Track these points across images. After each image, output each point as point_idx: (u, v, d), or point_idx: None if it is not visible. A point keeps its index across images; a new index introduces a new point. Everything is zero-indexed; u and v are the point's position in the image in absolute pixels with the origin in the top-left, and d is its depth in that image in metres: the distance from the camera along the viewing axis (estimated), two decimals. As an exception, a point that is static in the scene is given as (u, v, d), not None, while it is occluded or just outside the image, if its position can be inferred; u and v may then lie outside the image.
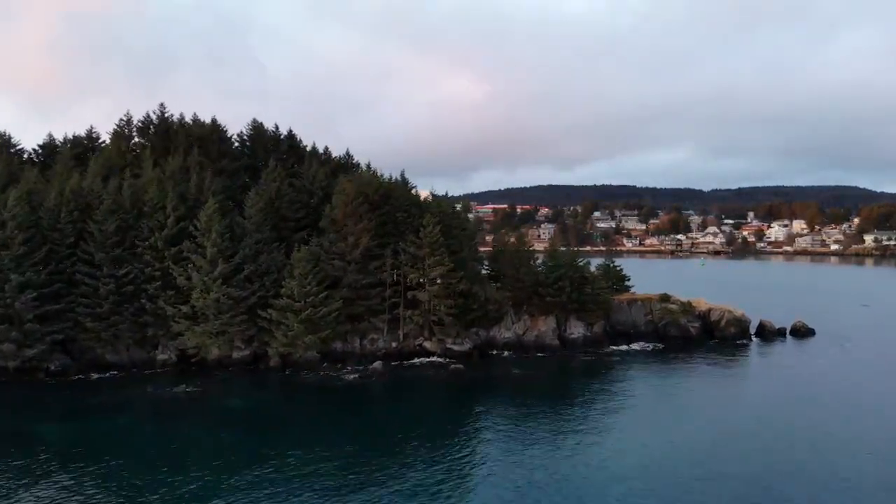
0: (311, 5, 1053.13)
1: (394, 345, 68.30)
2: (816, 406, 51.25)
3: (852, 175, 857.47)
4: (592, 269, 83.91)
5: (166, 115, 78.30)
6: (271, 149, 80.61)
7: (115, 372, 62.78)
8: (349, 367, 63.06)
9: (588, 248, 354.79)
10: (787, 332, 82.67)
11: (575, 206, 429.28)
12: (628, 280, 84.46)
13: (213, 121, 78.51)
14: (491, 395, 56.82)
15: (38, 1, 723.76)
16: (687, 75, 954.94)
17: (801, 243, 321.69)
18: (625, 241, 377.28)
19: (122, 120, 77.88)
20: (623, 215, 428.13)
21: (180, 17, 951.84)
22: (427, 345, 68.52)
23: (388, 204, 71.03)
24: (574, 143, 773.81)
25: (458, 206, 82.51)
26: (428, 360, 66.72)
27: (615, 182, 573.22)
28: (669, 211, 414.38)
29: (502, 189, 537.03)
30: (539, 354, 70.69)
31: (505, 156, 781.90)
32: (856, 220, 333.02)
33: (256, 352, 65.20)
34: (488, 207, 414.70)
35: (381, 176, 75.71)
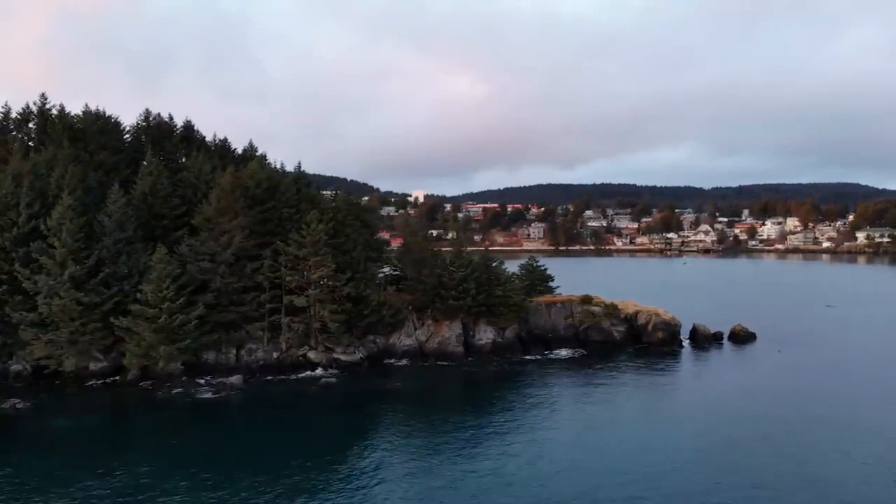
0: (310, 5, 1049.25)
1: (275, 355, 61.97)
2: (727, 424, 44.98)
3: (855, 172, 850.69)
4: (515, 269, 77.78)
5: (46, 106, 72.16)
6: (162, 141, 74.40)
7: (-39, 385, 56.87)
8: (209, 382, 56.66)
9: (578, 247, 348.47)
10: (725, 336, 75.93)
11: (567, 205, 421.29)
12: (552, 280, 77.76)
13: (97, 111, 72.33)
14: (357, 412, 50.25)
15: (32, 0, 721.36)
16: (689, 73, 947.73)
17: (794, 241, 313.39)
18: (615, 239, 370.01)
19: (-1, 112, 71.81)
20: (615, 214, 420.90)
21: (179, 16, 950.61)
22: (311, 355, 62.15)
23: (273, 199, 64.76)
24: (575, 142, 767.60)
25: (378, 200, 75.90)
26: (309, 372, 60.21)
27: (615, 181, 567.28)
28: (663, 209, 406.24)
29: (501, 188, 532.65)
30: (440, 363, 64.35)
31: (506, 155, 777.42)
32: (851, 217, 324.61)
33: (116, 363, 59.02)
34: (478, 206, 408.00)
35: (273, 168, 69.58)
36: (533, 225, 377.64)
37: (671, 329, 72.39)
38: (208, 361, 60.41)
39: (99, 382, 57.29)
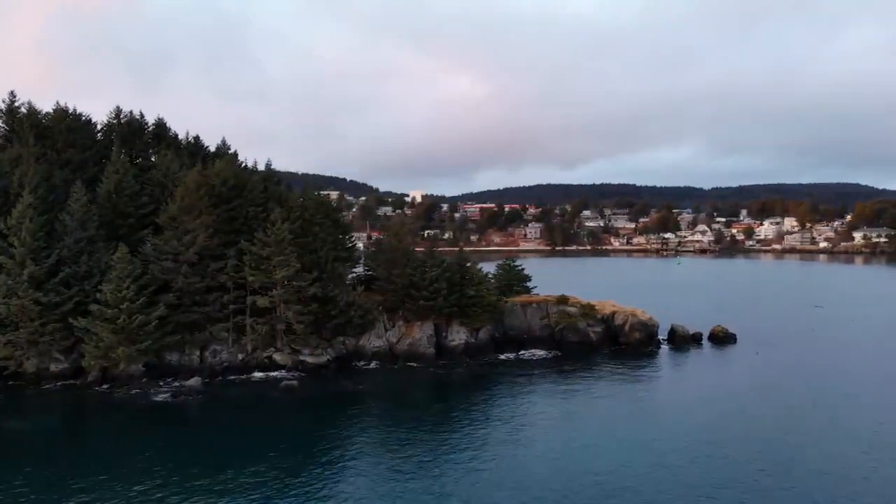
0: (310, 5, 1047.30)
1: (240, 357, 60.76)
2: (697, 430, 43.60)
3: (856, 172, 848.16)
4: (492, 269, 76.66)
5: (15, 104, 71.07)
6: (133, 139, 73.33)
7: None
8: (168, 385, 55.38)
9: (574, 247, 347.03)
10: (705, 337, 74.56)
11: (566, 205, 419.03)
12: (528, 280, 76.44)
13: (64, 108, 71.19)
14: (313, 416, 48.73)
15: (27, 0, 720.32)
16: (690, 73, 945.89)
17: (791, 241, 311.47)
18: (612, 239, 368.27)
19: (-34, 111, 70.71)
20: (613, 214, 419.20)
21: (178, 16, 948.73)
22: (277, 357, 60.94)
23: (240, 197, 63.62)
24: (576, 142, 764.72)
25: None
26: (269, 374, 58.86)
27: (615, 181, 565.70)
28: (662, 209, 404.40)
29: (501, 188, 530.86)
30: (410, 365, 63.11)
31: (507, 155, 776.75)
32: (849, 217, 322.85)
33: (77, 364, 57.82)
34: (475, 207, 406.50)
35: (245, 166, 68.49)
36: (530, 225, 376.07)
37: (648, 330, 71.13)
38: (171, 363, 59.23)
39: (59, 384, 56.18)
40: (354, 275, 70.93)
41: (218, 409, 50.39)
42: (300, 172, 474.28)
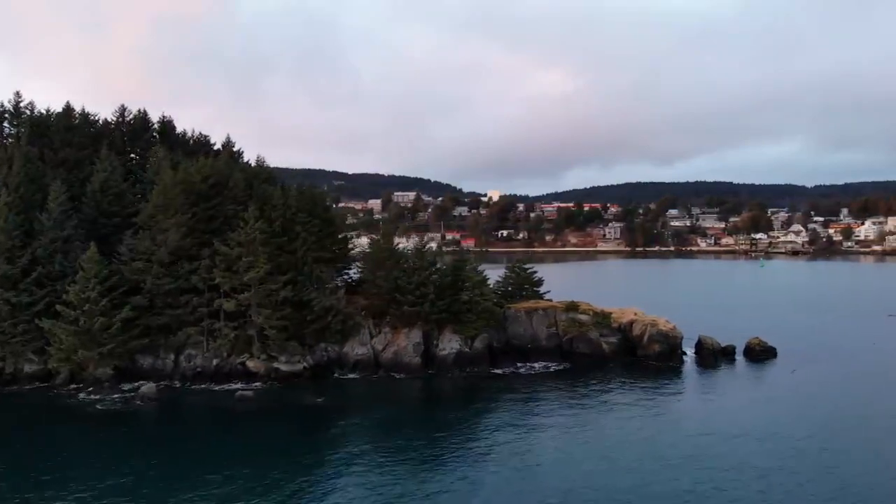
0: (399, 6, 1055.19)
1: (215, 362, 57.97)
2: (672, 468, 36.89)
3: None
4: (500, 272, 71.03)
5: (20, 104, 71.48)
6: (134, 137, 72.45)
7: None
8: (129, 390, 53.09)
9: (657, 248, 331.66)
10: (739, 351, 65.85)
11: (650, 204, 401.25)
12: (539, 286, 69.98)
13: (67, 106, 71.02)
14: (253, 432, 44.66)
15: (129, 8, 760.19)
16: (796, 62, 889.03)
17: (893, 242, 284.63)
18: (699, 240, 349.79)
19: (-26, 111, 71.70)
20: (702, 213, 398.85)
21: (270, 22, 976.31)
22: (250, 364, 57.73)
23: (221, 195, 60.92)
24: (673, 138, 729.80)
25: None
26: (231, 384, 55.42)
27: (714, 178, 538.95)
28: (754, 208, 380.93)
29: (588, 187, 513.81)
30: (393, 375, 58.55)
31: (600, 153, 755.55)
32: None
33: (49, 366, 56.67)
34: (553, 206, 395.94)
35: (241, 162, 65.99)
36: (610, 225, 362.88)
37: (670, 342, 63.41)
38: (143, 367, 57.22)
39: (32, 385, 55.28)
40: (348, 277, 67.08)
41: (163, 420, 47.62)
42: (386, 174, 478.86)
